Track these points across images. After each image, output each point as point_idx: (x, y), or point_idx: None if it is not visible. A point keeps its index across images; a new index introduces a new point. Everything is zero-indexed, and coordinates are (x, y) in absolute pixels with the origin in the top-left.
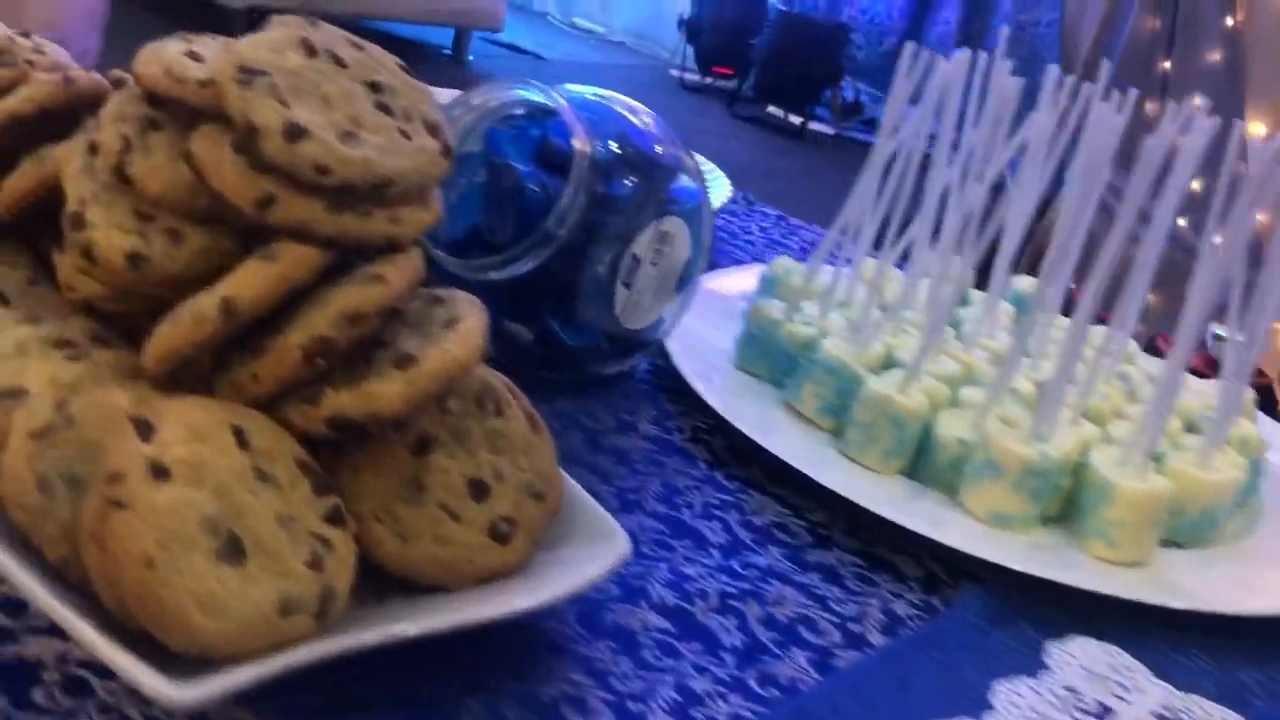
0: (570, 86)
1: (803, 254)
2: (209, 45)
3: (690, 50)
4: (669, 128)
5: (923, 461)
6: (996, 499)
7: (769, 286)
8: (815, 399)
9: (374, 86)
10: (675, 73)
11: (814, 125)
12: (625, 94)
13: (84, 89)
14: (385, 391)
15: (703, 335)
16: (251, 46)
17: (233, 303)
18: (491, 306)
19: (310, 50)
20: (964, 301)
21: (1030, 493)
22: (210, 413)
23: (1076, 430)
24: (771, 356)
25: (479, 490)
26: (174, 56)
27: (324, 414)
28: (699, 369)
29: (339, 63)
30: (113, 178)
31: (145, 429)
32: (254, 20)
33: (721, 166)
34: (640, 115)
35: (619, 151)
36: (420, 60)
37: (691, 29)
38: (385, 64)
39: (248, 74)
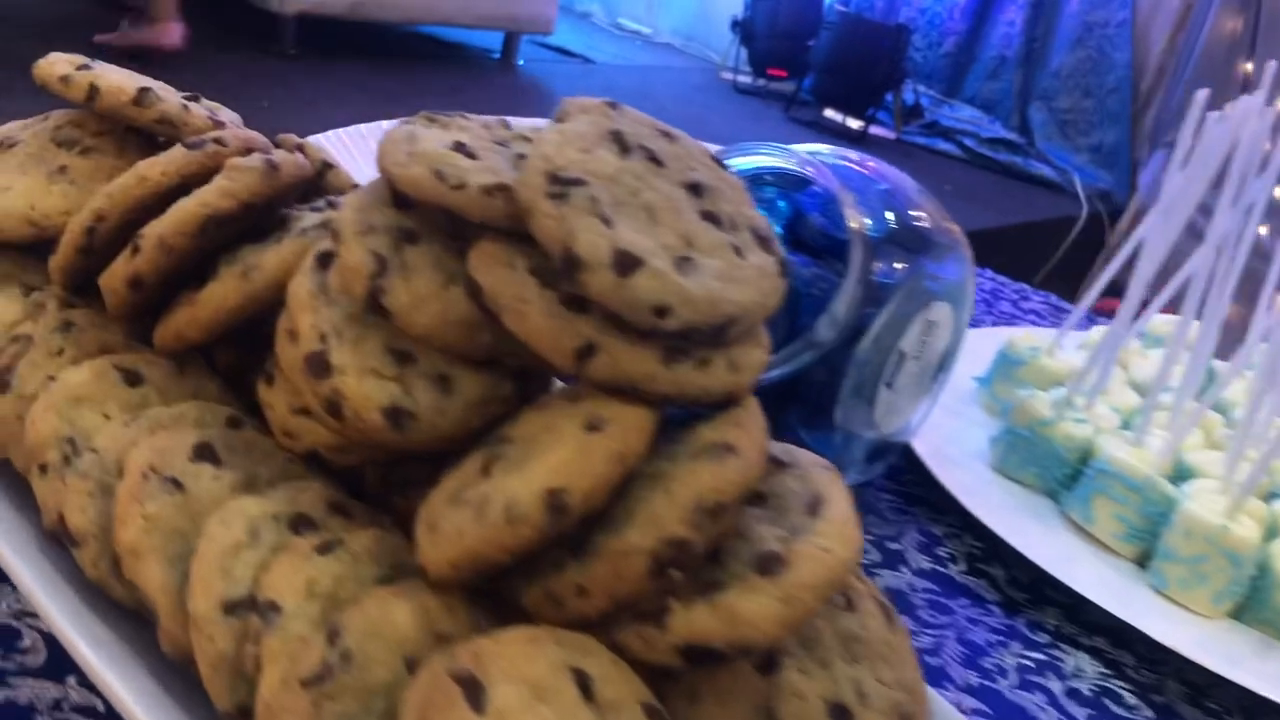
0: (803, 147)
1: (986, 306)
2: (473, 132)
3: (743, 52)
4: (922, 187)
5: (1253, 602)
6: None
7: (1009, 368)
8: (1113, 521)
9: (694, 189)
10: (728, 75)
11: (873, 129)
12: (678, 97)
13: (290, 176)
14: (754, 612)
15: (943, 428)
16: (556, 145)
17: (562, 497)
18: None
19: (623, 146)
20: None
21: None
22: (543, 651)
23: None
24: (1043, 463)
25: (842, 719)
26: (440, 153)
27: (675, 641)
28: (961, 481)
29: (654, 161)
30: (363, 307)
31: (474, 691)
32: (303, 28)
33: None
34: (892, 177)
35: (888, 228)
36: (469, 65)
37: (745, 30)
38: (698, 157)
39: (561, 184)
